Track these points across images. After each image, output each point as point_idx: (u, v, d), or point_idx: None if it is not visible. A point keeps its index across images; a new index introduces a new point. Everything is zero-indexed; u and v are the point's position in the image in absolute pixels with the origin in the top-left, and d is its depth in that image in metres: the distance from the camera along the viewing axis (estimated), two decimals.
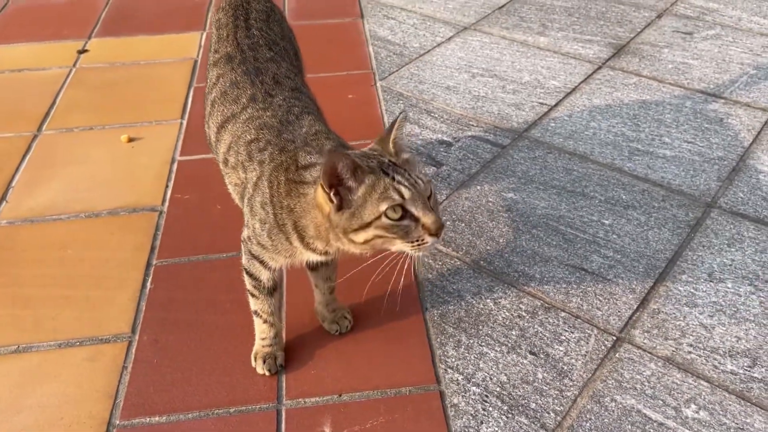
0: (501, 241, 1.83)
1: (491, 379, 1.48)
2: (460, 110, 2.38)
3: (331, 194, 1.14)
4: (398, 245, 1.15)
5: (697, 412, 1.39)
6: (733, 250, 1.78)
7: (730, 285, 1.68)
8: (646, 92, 2.44)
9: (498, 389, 1.45)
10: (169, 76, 2.65)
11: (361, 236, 1.14)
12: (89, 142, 2.28)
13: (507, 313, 1.63)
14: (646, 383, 1.45)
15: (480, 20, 2.99)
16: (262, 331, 1.50)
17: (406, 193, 1.11)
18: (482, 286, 1.70)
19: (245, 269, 1.45)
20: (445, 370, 1.50)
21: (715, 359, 1.50)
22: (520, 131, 2.26)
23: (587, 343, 1.55)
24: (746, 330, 1.56)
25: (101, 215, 1.96)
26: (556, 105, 2.39)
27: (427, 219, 1.12)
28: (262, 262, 1.40)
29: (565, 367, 1.49)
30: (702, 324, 1.58)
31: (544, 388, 1.45)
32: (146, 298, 1.69)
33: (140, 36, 2.94)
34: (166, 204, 2.00)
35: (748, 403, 1.41)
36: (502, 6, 3.11)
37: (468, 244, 1.82)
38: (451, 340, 1.57)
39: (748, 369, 1.48)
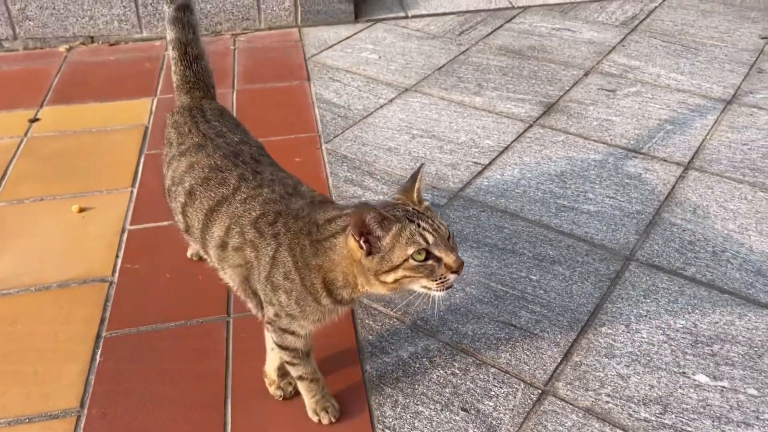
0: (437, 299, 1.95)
1: None
2: (400, 171, 2.52)
3: (361, 242, 1.28)
4: (423, 283, 1.30)
5: None
6: (648, 301, 1.93)
7: (644, 335, 1.82)
8: (572, 149, 2.62)
9: None
10: (120, 143, 2.73)
11: (390, 277, 1.29)
12: (40, 213, 2.33)
13: (441, 371, 1.73)
14: None
15: (420, 81, 3.17)
16: (310, 390, 1.60)
17: (430, 238, 1.27)
18: (419, 345, 1.81)
19: (279, 346, 1.52)
20: (383, 430, 1.59)
21: (630, 407, 1.63)
22: (455, 191, 2.41)
23: (515, 397, 1.67)
24: (658, 378, 1.70)
25: (51, 288, 2.02)
26: (490, 164, 2.55)
27: (448, 259, 1.28)
28: (293, 333, 1.49)
29: (494, 422, 1.60)
30: (619, 374, 1.72)
31: None
32: (95, 370, 1.75)
33: (91, 103, 3.02)
34: (117, 274, 2.07)
35: None
36: (441, 67, 3.30)
37: (406, 304, 1.93)
38: (388, 400, 1.67)
39: (660, 416, 1.61)
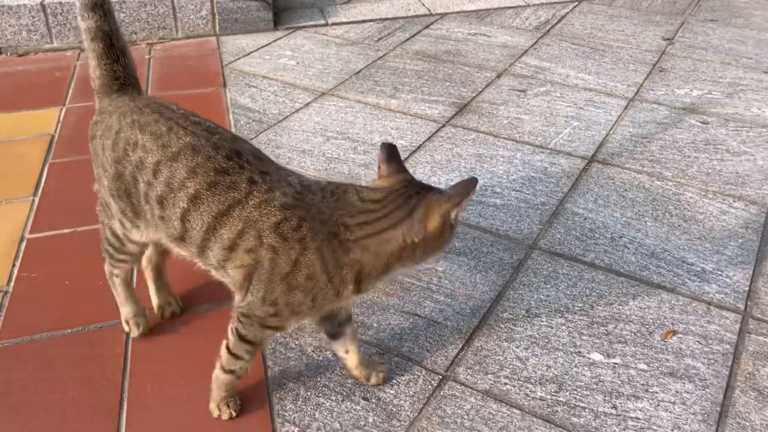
0: None
1: (325, 427, 1.57)
2: (313, 171, 2.52)
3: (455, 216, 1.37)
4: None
5: None
6: (548, 286, 1.98)
7: (544, 319, 1.87)
8: (482, 147, 2.68)
9: None
10: (24, 153, 2.64)
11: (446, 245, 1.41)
12: None
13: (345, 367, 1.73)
14: (465, 416, 1.59)
15: (337, 85, 3.19)
16: (228, 385, 1.57)
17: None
18: (323, 339, 1.80)
19: (247, 340, 1.48)
20: (282, 423, 1.58)
21: (527, 388, 1.67)
22: None
23: (416, 384, 1.68)
24: (555, 358, 1.75)
25: None
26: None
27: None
28: (279, 329, 1.48)
29: (394, 409, 1.61)
30: (518, 357, 1.76)
31: (374, 430, 1.56)
32: None
33: None
34: (12, 283, 1.99)
35: (553, 425, 1.57)
36: (359, 71, 3.33)
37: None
38: (290, 394, 1.65)
39: (555, 394, 1.65)
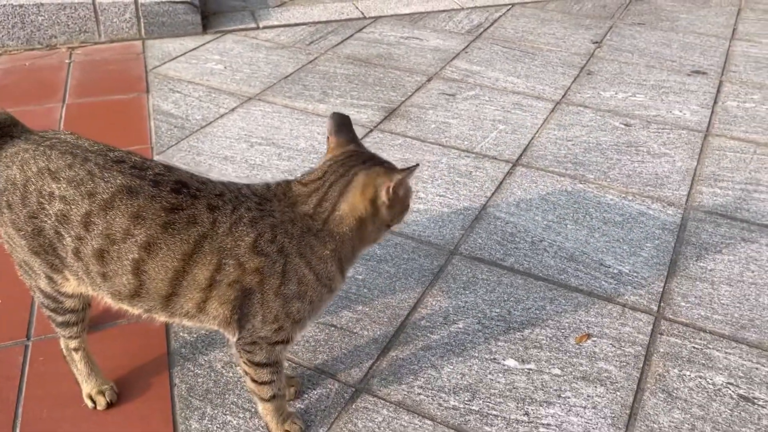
0: None
1: None
2: (234, 179, 2.45)
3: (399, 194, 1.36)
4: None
5: None
6: (467, 292, 1.97)
7: (461, 326, 1.85)
8: (408, 151, 2.66)
9: None
10: None
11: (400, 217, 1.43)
12: None
13: None
14: (377, 429, 1.56)
15: (265, 90, 3.13)
16: (279, 408, 1.51)
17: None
18: (234, 355, 1.74)
19: (263, 364, 1.41)
20: None
21: (440, 397, 1.64)
22: None
23: (327, 398, 1.64)
24: (470, 366, 1.73)
25: None
26: None
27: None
28: (288, 342, 1.41)
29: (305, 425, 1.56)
30: (433, 365, 1.73)
31: None
32: None
33: None
34: None
35: None
36: (288, 75, 3.28)
37: None
38: (196, 413, 1.59)
39: (468, 402, 1.63)
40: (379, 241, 1.49)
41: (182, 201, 1.28)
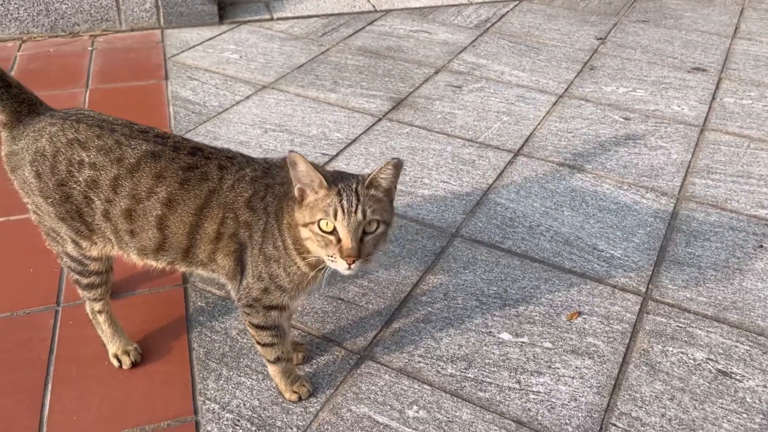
0: None
1: (245, 404, 1.64)
2: None
3: (297, 187, 1.34)
4: (320, 253, 1.35)
5: (417, 412, 1.64)
6: (467, 272, 2.09)
7: (460, 302, 1.98)
8: (415, 140, 2.78)
9: (249, 413, 1.62)
10: None
11: (304, 233, 1.35)
12: None
13: None
14: (378, 392, 1.69)
15: (279, 79, 3.26)
16: (287, 371, 1.62)
17: (340, 216, 1.30)
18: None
19: (262, 326, 1.52)
20: (203, 401, 1.65)
21: (439, 365, 1.77)
22: None
23: (334, 363, 1.77)
24: (467, 338, 1.86)
25: None
26: (337, 155, 2.66)
27: (345, 243, 1.31)
28: (281, 308, 1.51)
29: (312, 386, 1.70)
30: (433, 336, 1.86)
31: (291, 407, 1.64)
32: None
33: None
34: None
35: (460, 399, 1.68)
36: (301, 65, 3.40)
37: None
38: (212, 374, 1.73)
39: (464, 371, 1.76)
40: (311, 256, 1.41)
41: (197, 161, 1.46)
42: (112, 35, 3.68)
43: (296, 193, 1.36)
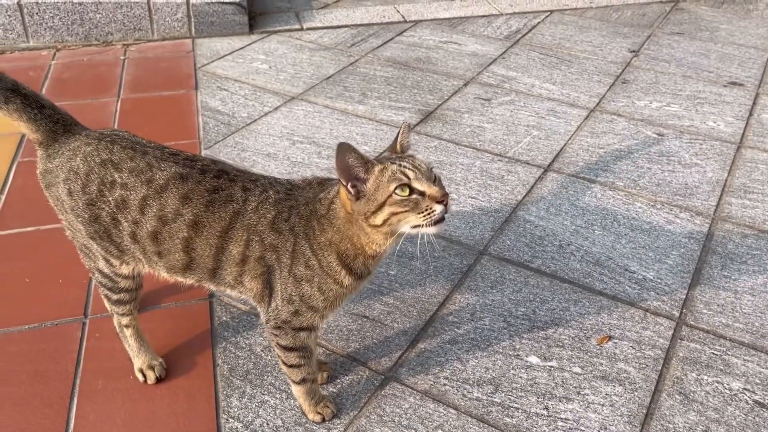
0: None
1: (268, 424, 1.63)
2: (277, 175, 2.58)
3: (349, 186, 1.33)
4: (411, 219, 1.33)
5: None
6: (495, 291, 2.06)
7: (487, 322, 1.95)
8: (443, 154, 2.75)
9: None
10: None
11: (379, 217, 1.33)
12: None
13: None
14: (403, 415, 1.66)
15: (307, 90, 3.26)
16: (310, 392, 1.61)
17: (410, 173, 1.32)
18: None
19: (290, 348, 1.52)
20: (227, 419, 1.64)
21: (464, 388, 1.74)
22: None
23: (358, 384, 1.75)
24: (494, 361, 1.82)
25: None
26: None
27: (431, 190, 1.32)
28: (310, 329, 1.51)
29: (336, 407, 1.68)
30: (459, 358, 1.83)
31: (314, 428, 1.62)
32: None
33: None
34: None
35: (486, 425, 1.64)
36: (330, 76, 3.40)
37: None
38: (236, 391, 1.72)
39: (491, 395, 1.72)
40: (383, 243, 1.40)
41: (222, 183, 1.47)
42: (144, 44, 3.72)
43: (350, 191, 1.35)
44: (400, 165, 1.34)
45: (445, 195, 1.32)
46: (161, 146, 1.54)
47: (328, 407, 1.65)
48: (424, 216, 1.32)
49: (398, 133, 1.45)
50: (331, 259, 1.42)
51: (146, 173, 1.46)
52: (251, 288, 1.49)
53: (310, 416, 1.64)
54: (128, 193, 1.46)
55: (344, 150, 1.31)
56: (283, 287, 1.45)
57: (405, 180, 1.31)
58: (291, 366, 1.56)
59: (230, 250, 1.44)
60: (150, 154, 1.49)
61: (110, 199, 1.47)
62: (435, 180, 1.36)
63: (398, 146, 1.44)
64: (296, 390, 1.63)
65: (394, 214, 1.32)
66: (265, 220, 1.43)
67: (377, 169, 1.34)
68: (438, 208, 1.32)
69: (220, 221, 1.43)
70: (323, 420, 1.63)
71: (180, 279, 1.56)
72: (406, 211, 1.32)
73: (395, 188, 1.31)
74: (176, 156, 1.50)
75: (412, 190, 1.31)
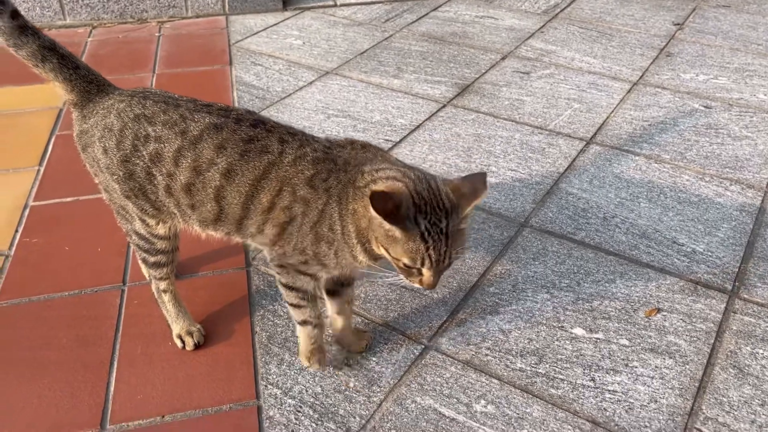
0: None
1: (307, 391, 1.61)
2: None
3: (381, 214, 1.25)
4: (397, 271, 1.37)
5: (485, 407, 1.57)
6: (537, 263, 2.00)
7: (529, 294, 1.89)
8: (481, 127, 2.69)
9: (312, 399, 1.59)
10: (31, 124, 2.71)
11: (379, 251, 1.35)
12: None
13: (329, 330, 1.77)
14: (444, 384, 1.62)
15: (342, 65, 3.21)
16: (310, 336, 1.62)
17: (426, 265, 1.29)
18: None
19: (289, 285, 1.53)
20: (266, 386, 1.62)
21: (507, 359, 1.69)
22: None
23: (398, 352, 1.71)
24: (538, 332, 1.77)
25: None
26: (400, 141, 2.60)
27: (426, 276, 1.32)
28: (312, 276, 1.51)
29: (376, 376, 1.65)
30: (501, 329, 1.78)
31: (354, 395, 1.60)
32: None
33: (6, 87, 2.99)
34: (14, 248, 2.05)
35: (530, 396, 1.59)
36: (364, 51, 3.35)
37: None
38: (275, 358, 1.70)
39: (535, 366, 1.67)
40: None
41: (258, 133, 1.44)
42: (179, 21, 3.72)
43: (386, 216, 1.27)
44: (427, 249, 1.27)
45: (431, 287, 1.35)
46: (194, 99, 1.52)
47: (319, 360, 1.64)
48: (408, 281, 1.36)
49: (476, 192, 1.30)
50: (352, 230, 1.39)
51: (180, 125, 1.45)
52: (268, 234, 1.47)
53: (302, 358, 1.65)
54: (162, 145, 1.45)
55: (402, 192, 1.27)
56: (300, 239, 1.43)
57: (417, 266, 1.30)
58: (291, 305, 1.57)
59: (260, 199, 1.43)
60: (183, 106, 1.48)
61: (144, 153, 1.46)
62: (442, 266, 1.32)
63: (468, 209, 1.31)
64: (298, 330, 1.63)
65: (388, 260, 1.35)
66: (303, 176, 1.40)
67: (409, 234, 1.26)
68: (419, 287, 1.36)
69: (253, 170, 1.41)
70: (308, 367, 1.65)
71: (211, 232, 1.56)
72: (397, 266, 1.35)
73: (405, 262, 1.30)
74: (210, 107, 1.49)
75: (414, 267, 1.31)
